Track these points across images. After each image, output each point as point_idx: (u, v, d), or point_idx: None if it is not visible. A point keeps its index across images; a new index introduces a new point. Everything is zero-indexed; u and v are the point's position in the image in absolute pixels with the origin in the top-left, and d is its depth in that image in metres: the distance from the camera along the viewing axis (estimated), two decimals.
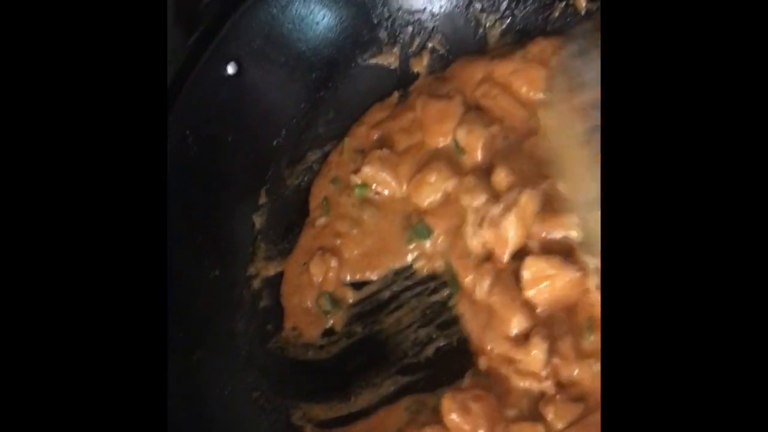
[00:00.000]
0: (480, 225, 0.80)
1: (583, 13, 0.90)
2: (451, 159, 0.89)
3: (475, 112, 0.89)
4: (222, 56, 0.88)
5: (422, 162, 0.90)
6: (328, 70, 0.96)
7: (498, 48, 0.96)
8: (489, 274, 0.79)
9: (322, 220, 0.93)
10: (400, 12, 0.96)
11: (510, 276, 0.78)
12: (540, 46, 0.91)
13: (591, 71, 0.55)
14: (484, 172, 0.85)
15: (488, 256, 0.81)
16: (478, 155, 0.87)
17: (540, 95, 0.87)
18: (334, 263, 0.89)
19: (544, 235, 0.79)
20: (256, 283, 0.92)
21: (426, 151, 0.90)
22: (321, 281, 0.89)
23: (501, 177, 0.82)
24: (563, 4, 0.91)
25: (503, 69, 0.91)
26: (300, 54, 0.94)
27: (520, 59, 0.91)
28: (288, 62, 0.93)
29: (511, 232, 0.78)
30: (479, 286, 0.79)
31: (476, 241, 0.80)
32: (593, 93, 0.55)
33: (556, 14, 0.92)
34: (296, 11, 0.92)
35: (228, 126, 0.89)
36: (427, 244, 0.87)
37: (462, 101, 0.91)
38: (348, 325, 0.88)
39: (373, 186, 0.91)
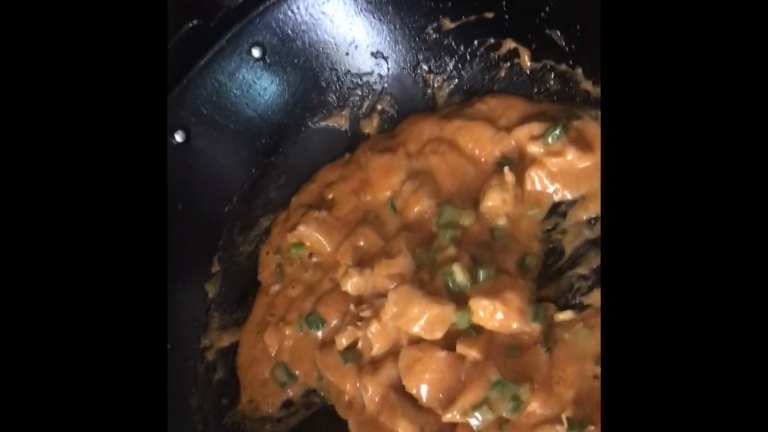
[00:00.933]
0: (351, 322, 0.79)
1: (528, 72, 0.91)
2: (380, 222, 0.87)
3: (428, 175, 0.87)
4: (169, 125, 0.87)
5: (352, 225, 0.88)
6: (278, 134, 0.95)
7: (446, 107, 0.96)
8: (370, 385, 0.76)
9: (276, 287, 0.91)
10: (348, 75, 0.96)
11: (389, 388, 0.76)
12: (488, 105, 0.92)
13: None
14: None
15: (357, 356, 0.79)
16: (409, 217, 0.86)
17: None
18: (288, 332, 0.86)
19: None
20: (210, 355, 0.89)
21: (361, 211, 0.89)
22: (277, 351, 0.86)
23: (380, 274, 0.80)
24: (508, 64, 0.92)
25: (450, 126, 0.90)
26: (249, 120, 0.93)
27: (467, 117, 0.91)
28: (237, 128, 0.93)
29: (375, 343, 0.78)
30: (364, 397, 0.76)
31: (344, 339, 0.79)
32: None
33: (502, 74, 0.93)
34: (243, 78, 0.92)
35: (178, 194, 0.88)
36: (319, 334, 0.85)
37: (405, 153, 0.90)
38: (306, 395, 0.85)
39: (308, 244, 0.89)
